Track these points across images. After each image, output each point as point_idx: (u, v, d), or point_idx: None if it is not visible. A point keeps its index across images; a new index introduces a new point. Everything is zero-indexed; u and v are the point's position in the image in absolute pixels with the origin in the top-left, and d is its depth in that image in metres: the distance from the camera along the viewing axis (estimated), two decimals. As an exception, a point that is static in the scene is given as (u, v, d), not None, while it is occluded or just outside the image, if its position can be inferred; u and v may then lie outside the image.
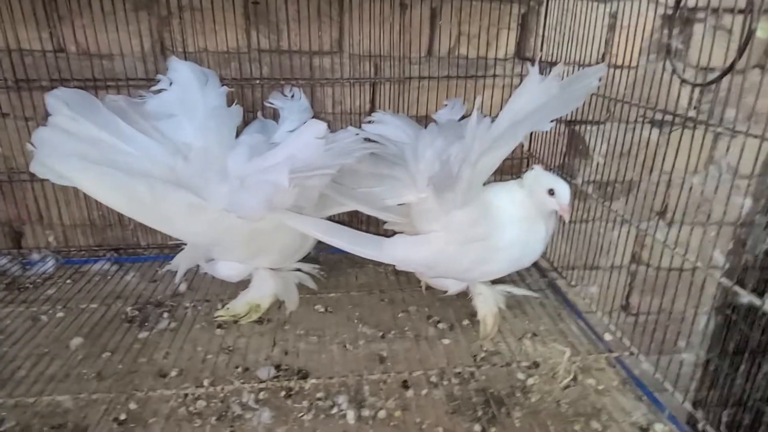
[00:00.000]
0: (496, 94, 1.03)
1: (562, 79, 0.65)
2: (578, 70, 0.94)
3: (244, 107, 0.98)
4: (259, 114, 0.96)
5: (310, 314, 0.86)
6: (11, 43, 0.91)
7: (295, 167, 0.65)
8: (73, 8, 0.90)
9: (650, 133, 0.93)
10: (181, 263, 0.83)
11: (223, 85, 0.83)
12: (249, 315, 0.83)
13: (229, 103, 0.84)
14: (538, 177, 0.75)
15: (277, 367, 0.73)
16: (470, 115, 0.91)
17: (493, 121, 0.68)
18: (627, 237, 0.82)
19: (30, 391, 0.67)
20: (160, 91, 0.81)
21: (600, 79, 0.68)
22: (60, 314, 0.85)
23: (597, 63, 0.99)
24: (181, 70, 0.82)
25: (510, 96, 1.02)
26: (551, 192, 0.73)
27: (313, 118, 0.92)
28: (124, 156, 0.71)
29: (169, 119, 0.77)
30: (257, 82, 0.97)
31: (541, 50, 1.00)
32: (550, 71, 0.98)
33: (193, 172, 0.72)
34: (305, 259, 0.93)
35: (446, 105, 0.97)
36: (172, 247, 1.05)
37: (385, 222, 0.88)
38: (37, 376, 0.70)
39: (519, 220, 0.75)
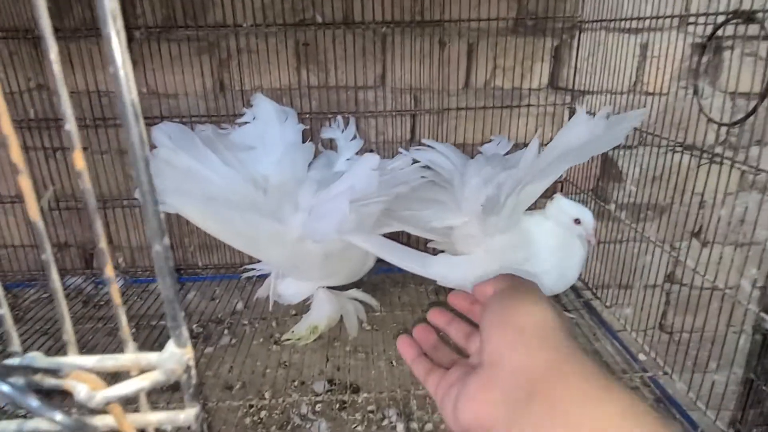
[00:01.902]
0: (530, 123, 1.08)
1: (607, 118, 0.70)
2: (610, 98, 1.00)
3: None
4: (320, 146, 1.04)
5: (358, 332, 0.93)
6: (90, 85, 1.02)
7: (354, 197, 0.73)
8: (145, 54, 1.00)
9: (682, 158, 0.96)
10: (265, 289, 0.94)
11: (300, 123, 0.92)
12: (308, 336, 0.90)
13: (304, 139, 0.92)
14: (562, 207, 0.80)
15: (330, 382, 0.80)
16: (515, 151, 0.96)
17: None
18: (661, 257, 0.86)
19: (115, 400, 0.76)
20: (243, 123, 0.91)
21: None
22: (133, 331, 0.93)
23: (629, 91, 1.04)
24: (263, 107, 0.92)
25: (544, 124, 1.09)
26: (577, 221, 0.78)
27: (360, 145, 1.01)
28: (214, 187, 0.80)
29: (250, 151, 0.87)
30: (307, 115, 1.05)
31: (574, 80, 1.05)
32: (582, 100, 1.03)
33: (272, 204, 0.80)
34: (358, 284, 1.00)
35: (492, 140, 1.03)
36: (227, 268, 1.14)
37: (429, 240, 0.94)
38: (119, 386, 0.79)
39: (553, 248, 0.80)
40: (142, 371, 0.19)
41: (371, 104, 1.07)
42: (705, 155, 0.68)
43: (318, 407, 0.74)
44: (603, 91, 1.03)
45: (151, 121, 1.03)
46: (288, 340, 0.89)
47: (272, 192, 0.82)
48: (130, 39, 0.99)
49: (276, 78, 1.03)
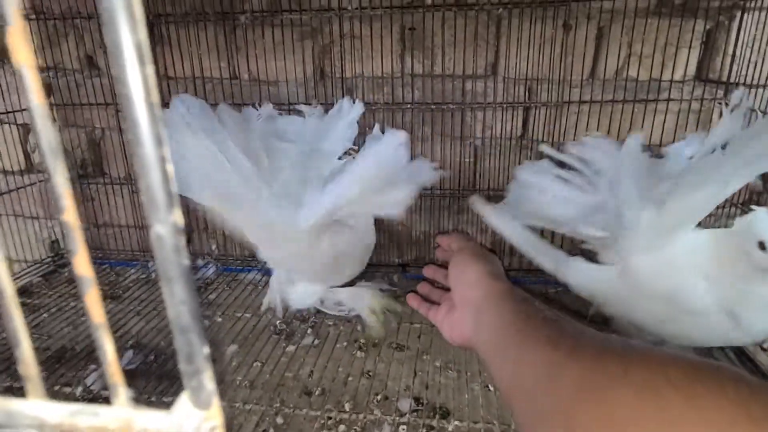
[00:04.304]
0: (669, 120, 0.91)
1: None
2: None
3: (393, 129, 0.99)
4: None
5: (449, 346, 0.83)
6: (196, 71, 1.02)
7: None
8: (248, 40, 0.98)
9: None
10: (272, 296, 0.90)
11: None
12: (380, 321, 0.87)
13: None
14: (752, 223, 0.57)
15: (417, 401, 0.71)
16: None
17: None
18: None
19: (193, 393, 0.73)
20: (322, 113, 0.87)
21: None
22: (219, 319, 0.92)
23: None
24: (356, 113, 0.84)
25: (687, 123, 0.92)
26: (762, 245, 0.55)
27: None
28: (223, 173, 0.74)
29: (288, 144, 0.82)
30: (408, 106, 0.97)
31: (730, 70, 0.87)
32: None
33: (274, 200, 0.74)
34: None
35: (683, 139, 0.79)
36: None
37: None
38: (199, 378, 0.76)
39: (718, 282, 0.60)
40: (138, 438, 0.12)
41: (479, 95, 0.96)
42: None
43: (402, 429, 0.66)
44: (768, 84, 0.84)
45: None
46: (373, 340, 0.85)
47: (277, 190, 0.75)
48: (234, 25, 0.98)
49: (378, 65, 0.97)
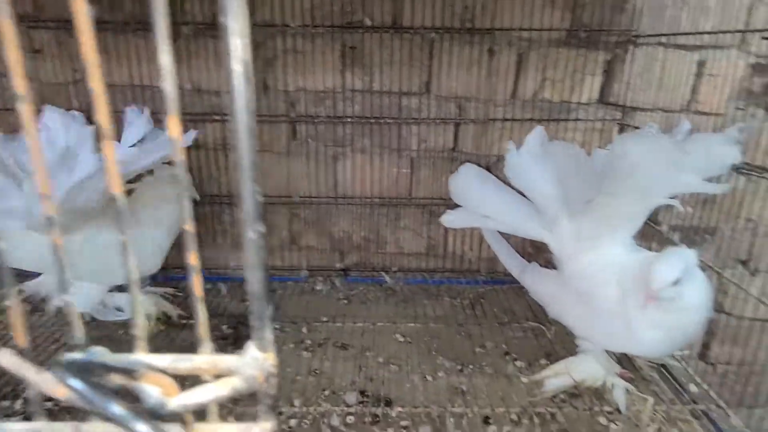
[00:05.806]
0: (578, 136, 1.04)
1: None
2: (663, 116, 0.96)
3: (334, 141, 1.05)
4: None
5: (390, 343, 0.90)
6: (135, 80, 1.02)
7: None
8: (191, 50, 1.00)
9: (736, 181, 0.92)
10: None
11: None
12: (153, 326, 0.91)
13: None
14: (660, 259, 0.61)
15: (362, 393, 0.77)
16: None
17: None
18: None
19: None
20: None
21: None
22: (162, 327, 0.92)
23: (682, 110, 1.00)
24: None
25: (592, 140, 1.05)
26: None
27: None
28: None
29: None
30: (348, 119, 1.03)
31: (626, 96, 1.02)
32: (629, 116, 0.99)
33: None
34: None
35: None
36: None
37: None
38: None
39: (631, 298, 0.65)
40: (218, 376, 0.17)
41: (414, 111, 1.05)
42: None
43: (349, 419, 0.72)
44: (655, 108, 0.99)
45: (192, 117, 1.03)
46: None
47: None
48: (177, 35, 1.00)
49: (320, 80, 1.02)
